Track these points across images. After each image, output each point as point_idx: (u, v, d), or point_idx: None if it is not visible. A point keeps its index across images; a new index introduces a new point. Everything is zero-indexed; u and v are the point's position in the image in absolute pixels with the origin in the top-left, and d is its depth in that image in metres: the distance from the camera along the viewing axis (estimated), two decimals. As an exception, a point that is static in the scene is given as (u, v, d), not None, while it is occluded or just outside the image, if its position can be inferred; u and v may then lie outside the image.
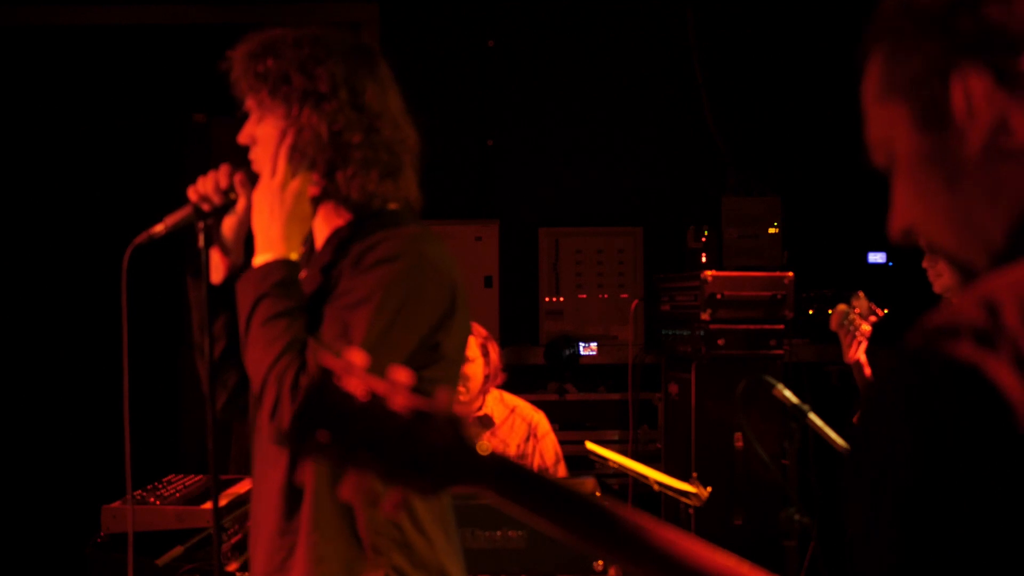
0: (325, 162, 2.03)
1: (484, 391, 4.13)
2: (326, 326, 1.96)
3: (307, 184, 2.04)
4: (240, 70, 2.06)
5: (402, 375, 1.15)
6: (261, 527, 2.08)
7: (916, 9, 1.07)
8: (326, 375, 1.12)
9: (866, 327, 3.43)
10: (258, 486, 2.12)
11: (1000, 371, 0.90)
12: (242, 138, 2.11)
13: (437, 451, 1.13)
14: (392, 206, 2.10)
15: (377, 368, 1.89)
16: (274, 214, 2.02)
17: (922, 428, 0.92)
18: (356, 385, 1.13)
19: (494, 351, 4.13)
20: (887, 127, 1.10)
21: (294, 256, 2.03)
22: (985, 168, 1.04)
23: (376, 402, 1.12)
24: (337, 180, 2.04)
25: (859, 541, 0.96)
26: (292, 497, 2.02)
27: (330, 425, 1.11)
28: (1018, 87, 1.02)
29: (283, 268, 2.00)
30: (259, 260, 2.03)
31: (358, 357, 1.14)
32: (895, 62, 1.08)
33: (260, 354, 1.94)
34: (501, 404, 4.22)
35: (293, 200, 2.03)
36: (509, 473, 1.15)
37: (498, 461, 1.15)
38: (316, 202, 2.09)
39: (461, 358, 2.13)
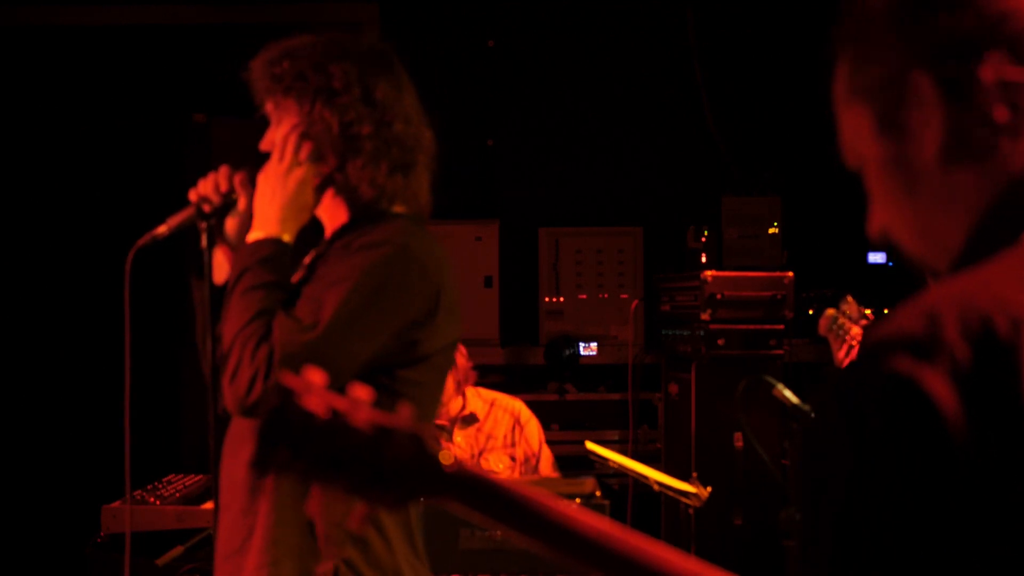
0: (337, 154, 2.08)
1: (459, 393, 4.20)
2: (301, 303, 2.00)
3: (311, 174, 2.09)
4: (258, 74, 2.12)
5: (362, 391, 1.16)
6: (227, 506, 2.11)
7: (876, 16, 1.08)
8: (286, 394, 1.14)
9: (856, 331, 3.42)
10: (227, 464, 2.14)
11: (935, 384, 0.91)
12: (263, 144, 2.15)
13: (400, 465, 1.14)
14: (399, 209, 2.13)
15: (344, 351, 1.93)
16: (275, 196, 2.07)
17: (858, 440, 0.93)
18: (316, 403, 1.14)
19: (460, 355, 4.17)
20: (853, 130, 1.12)
21: (287, 238, 2.07)
22: (941, 175, 1.05)
23: (337, 419, 1.14)
24: (348, 171, 2.08)
25: (805, 550, 0.97)
26: (257, 479, 2.06)
27: (291, 444, 1.13)
28: (971, 94, 1.03)
29: (271, 245, 2.05)
30: (251, 237, 2.09)
31: (317, 375, 1.16)
32: (858, 67, 1.10)
33: (233, 322, 1.99)
34: (479, 399, 4.29)
35: (295, 186, 2.08)
36: (472, 484, 1.17)
37: (461, 472, 1.16)
38: (321, 190, 2.12)
39: (447, 364, 2.14)
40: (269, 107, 2.14)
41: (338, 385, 1.94)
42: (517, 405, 4.31)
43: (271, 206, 2.08)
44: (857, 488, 0.92)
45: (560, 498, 1.18)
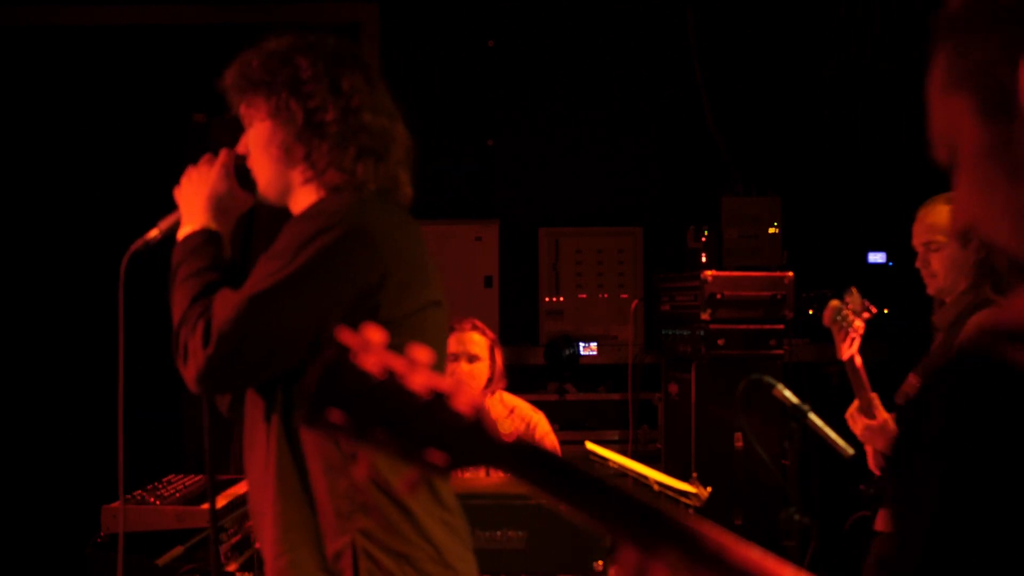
0: (303, 142, 2.10)
1: (486, 393, 4.13)
2: (250, 277, 2.03)
3: (230, 159, 2.18)
4: (231, 80, 2.16)
5: (421, 353, 1.14)
6: (251, 504, 2.16)
7: (978, 2, 1.05)
8: (341, 352, 1.11)
9: (859, 324, 3.42)
10: (246, 466, 2.16)
11: None
12: (240, 148, 2.21)
13: (456, 430, 1.12)
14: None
15: (276, 316, 1.94)
16: (198, 192, 2.18)
17: (964, 432, 0.91)
18: (373, 362, 1.12)
19: (499, 355, 4.14)
20: (950, 120, 1.08)
21: (214, 227, 2.16)
22: None
23: (393, 380, 1.11)
24: (313, 157, 2.10)
25: (899, 536, 0.95)
26: (267, 470, 2.08)
27: (344, 403, 1.11)
28: None
29: (199, 236, 2.14)
30: (182, 233, 2.17)
31: (376, 334, 1.13)
32: (961, 54, 1.06)
33: (176, 311, 2.06)
34: (500, 404, 4.22)
35: (216, 179, 2.18)
36: (528, 454, 1.14)
37: (518, 442, 1.14)
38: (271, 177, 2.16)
39: (430, 331, 2.09)
40: (242, 109, 2.17)
41: (280, 349, 1.97)
42: (536, 417, 4.23)
43: (195, 201, 2.18)
44: (958, 481, 0.90)
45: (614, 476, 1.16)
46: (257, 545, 2.19)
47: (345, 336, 1.12)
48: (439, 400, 1.12)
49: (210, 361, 1.96)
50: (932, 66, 1.09)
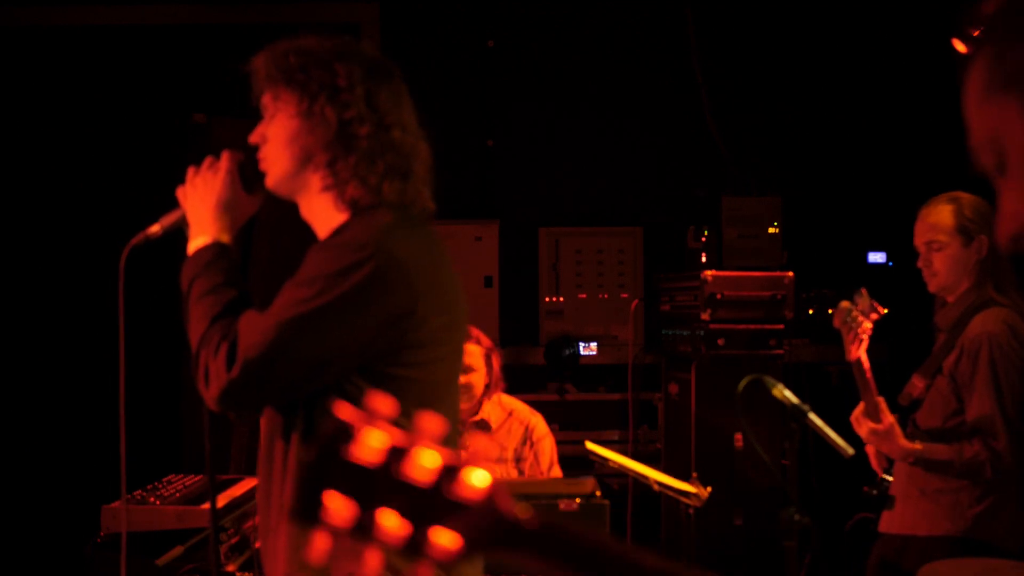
0: (329, 151, 2.07)
1: (484, 399, 4.13)
2: (275, 299, 2.00)
3: (234, 164, 2.14)
4: (262, 65, 2.12)
5: (431, 422, 1.03)
6: (265, 523, 2.12)
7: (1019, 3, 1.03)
8: (340, 429, 1.01)
9: (867, 325, 3.41)
10: (261, 481, 2.14)
11: None
12: (253, 137, 2.15)
13: (466, 510, 1.00)
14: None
15: (305, 345, 1.92)
16: (204, 201, 2.14)
17: None
18: (375, 439, 1.01)
19: (496, 361, 4.13)
20: (996, 125, 1.05)
21: (225, 238, 2.13)
22: None
23: (397, 457, 1.01)
24: (337, 168, 2.07)
25: None
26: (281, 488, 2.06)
27: (342, 487, 1.00)
28: None
29: (212, 250, 2.11)
30: (192, 246, 2.13)
31: (383, 404, 1.03)
32: (1004, 57, 1.04)
33: (195, 329, 2.04)
34: (499, 407, 4.20)
35: (222, 188, 2.14)
36: (555, 536, 1.03)
37: (541, 524, 1.03)
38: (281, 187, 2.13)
39: (448, 361, 2.10)
40: (267, 99, 2.12)
41: (306, 377, 1.96)
42: (534, 420, 4.21)
43: (203, 210, 2.14)
44: None
45: (643, 550, 1.05)
46: (257, 547, 2.17)
47: (344, 411, 1.01)
48: (448, 475, 1.00)
49: (233, 385, 1.95)
50: (969, 72, 1.06)
